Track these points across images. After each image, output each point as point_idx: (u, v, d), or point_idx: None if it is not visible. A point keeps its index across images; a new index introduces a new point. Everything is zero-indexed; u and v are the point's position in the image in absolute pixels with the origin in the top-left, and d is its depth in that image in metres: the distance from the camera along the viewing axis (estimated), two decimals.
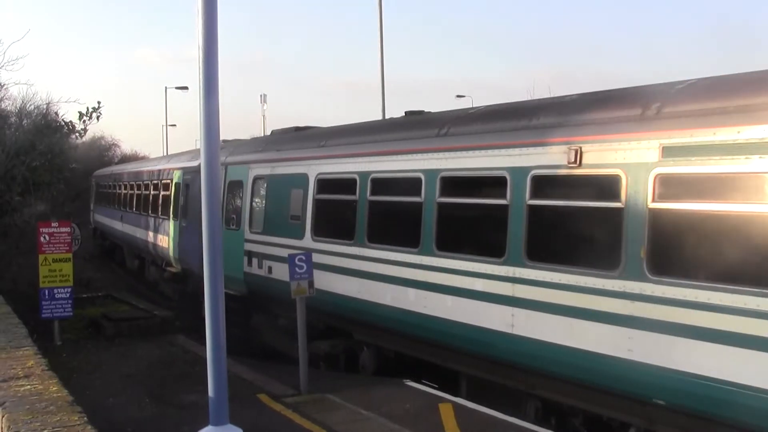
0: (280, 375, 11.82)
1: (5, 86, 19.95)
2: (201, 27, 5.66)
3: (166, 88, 53.28)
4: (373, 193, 11.46)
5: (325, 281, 11.93)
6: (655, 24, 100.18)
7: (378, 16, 27.94)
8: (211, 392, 5.84)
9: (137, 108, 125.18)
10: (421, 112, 12.49)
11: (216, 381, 5.82)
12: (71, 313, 14.67)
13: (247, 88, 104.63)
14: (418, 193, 10.35)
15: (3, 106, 20.92)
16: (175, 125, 74.41)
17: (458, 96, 53.63)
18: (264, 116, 55.32)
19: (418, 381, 11.21)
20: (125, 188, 28.79)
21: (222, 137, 5.94)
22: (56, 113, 20.29)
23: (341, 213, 12.48)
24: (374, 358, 12.11)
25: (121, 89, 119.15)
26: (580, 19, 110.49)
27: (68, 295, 14.48)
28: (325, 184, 12.82)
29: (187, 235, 18.66)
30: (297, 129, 15.70)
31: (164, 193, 22.08)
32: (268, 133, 19.89)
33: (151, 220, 23.17)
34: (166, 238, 20.99)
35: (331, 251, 12.18)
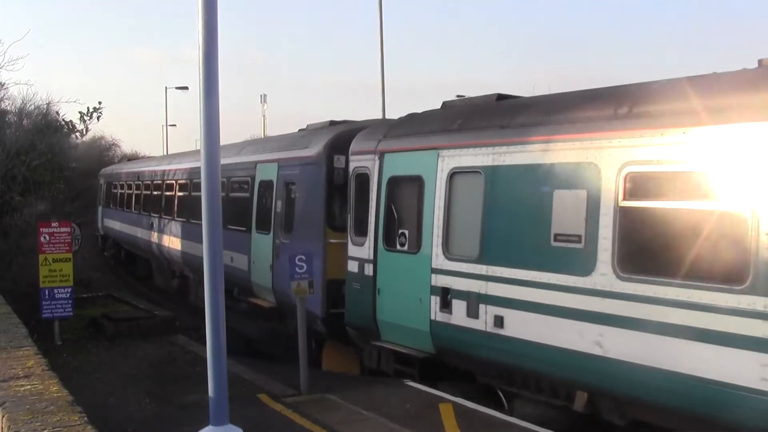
0: (280, 375, 11.82)
1: (5, 86, 19.98)
2: (201, 27, 5.66)
3: (166, 88, 53.34)
4: None
5: (659, 353, 7.26)
6: (654, 23, 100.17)
7: (378, 16, 27.90)
8: (211, 392, 5.84)
9: (137, 108, 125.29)
10: None
11: (216, 381, 5.82)
12: (71, 313, 14.67)
13: (246, 88, 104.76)
14: None
15: (3, 106, 20.96)
16: (175, 125, 74.51)
17: (458, 96, 53.57)
18: (264, 116, 55.20)
19: None
20: (159, 189, 22.94)
21: (222, 137, 5.91)
22: (57, 113, 20.35)
23: (708, 235, 7.00)
24: None
25: (121, 89, 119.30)
26: (581, 19, 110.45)
27: (68, 295, 14.47)
28: (652, 182, 7.58)
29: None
30: (500, 97, 10.49)
31: (237, 195, 16.31)
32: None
33: None
34: (244, 258, 15.37)
35: (672, 301, 7.12)
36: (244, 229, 15.50)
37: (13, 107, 20.99)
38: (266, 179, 14.75)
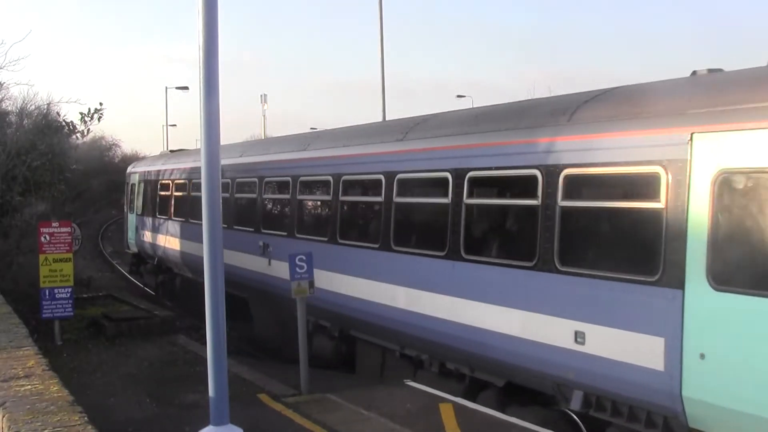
0: (281, 375, 11.82)
1: (6, 85, 19.97)
2: (201, 27, 5.67)
3: (166, 88, 53.25)
4: None
5: None
6: (654, 23, 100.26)
7: (378, 16, 27.88)
8: (211, 392, 5.84)
9: (137, 108, 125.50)
10: None
11: (216, 381, 5.82)
12: (72, 313, 14.68)
13: (246, 89, 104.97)
14: None
15: (4, 106, 20.97)
16: (175, 125, 74.50)
17: (458, 96, 53.74)
18: (264, 116, 55.12)
19: None
20: (280, 190, 14.67)
21: (222, 138, 5.91)
22: (57, 113, 20.32)
23: None
24: None
25: (122, 89, 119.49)
26: (580, 19, 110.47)
27: (69, 295, 14.49)
28: None
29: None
30: None
31: (583, 205, 8.08)
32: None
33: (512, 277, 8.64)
34: (642, 341, 6.99)
35: None
36: (628, 276, 7.22)
37: (14, 107, 21.02)
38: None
